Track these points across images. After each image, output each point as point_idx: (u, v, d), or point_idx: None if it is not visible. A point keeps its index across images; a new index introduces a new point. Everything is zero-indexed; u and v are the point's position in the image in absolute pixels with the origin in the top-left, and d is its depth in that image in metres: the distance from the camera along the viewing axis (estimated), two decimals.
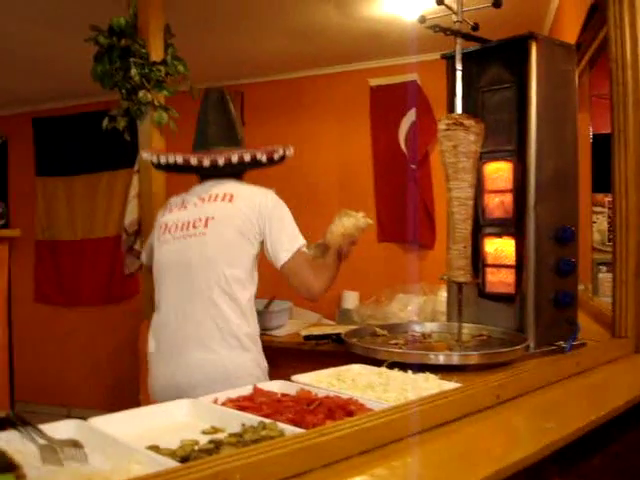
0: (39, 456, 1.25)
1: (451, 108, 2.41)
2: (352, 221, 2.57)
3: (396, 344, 2.30)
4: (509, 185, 2.43)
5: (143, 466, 1.15)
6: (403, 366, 1.91)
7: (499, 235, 2.47)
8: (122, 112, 3.50)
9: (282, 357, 3.01)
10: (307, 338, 2.80)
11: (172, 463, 1.16)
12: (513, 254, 2.41)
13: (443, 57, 2.58)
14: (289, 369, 1.95)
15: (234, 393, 1.65)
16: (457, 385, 1.69)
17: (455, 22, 2.37)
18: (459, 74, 2.34)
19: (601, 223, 3.84)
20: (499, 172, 2.47)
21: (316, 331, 2.99)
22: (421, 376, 1.78)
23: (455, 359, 2.03)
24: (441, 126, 2.25)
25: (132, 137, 3.63)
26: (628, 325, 2.40)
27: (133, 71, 3.37)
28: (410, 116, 5.32)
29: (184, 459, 1.20)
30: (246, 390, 1.68)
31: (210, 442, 1.27)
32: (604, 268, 3.64)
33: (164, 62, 3.51)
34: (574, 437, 1.53)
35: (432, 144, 5.18)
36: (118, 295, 6.40)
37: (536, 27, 4.26)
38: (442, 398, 1.51)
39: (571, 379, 2.00)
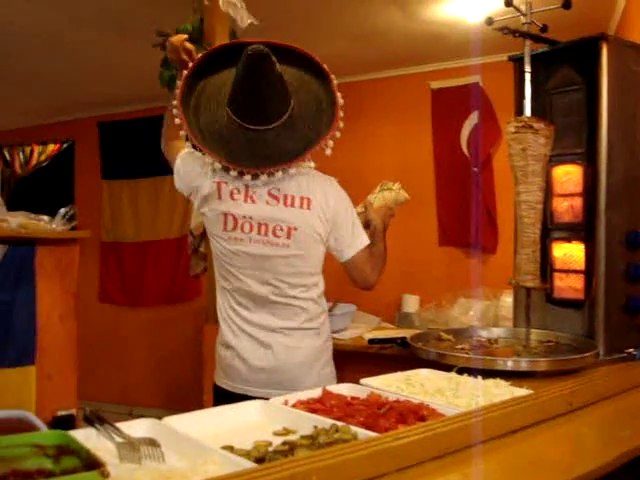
0: (117, 454, 1.28)
1: (519, 111, 2.39)
2: (393, 195, 2.55)
3: (462, 349, 2.29)
4: (579, 189, 2.40)
5: (219, 466, 1.17)
6: (470, 371, 1.90)
7: (568, 240, 2.44)
8: None
9: (347, 360, 3.01)
10: (372, 342, 2.80)
11: (248, 464, 1.17)
12: (582, 259, 2.38)
13: (510, 59, 2.56)
14: (355, 372, 1.95)
15: (304, 395, 1.66)
16: (529, 392, 1.67)
17: (524, 24, 2.35)
18: (528, 76, 2.32)
19: None
20: (568, 175, 2.44)
21: (380, 335, 2.99)
22: (491, 382, 1.77)
23: (524, 365, 2.01)
24: (510, 129, 2.23)
25: None
26: None
27: None
28: (472, 119, 5.27)
29: (259, 460, 1.22)
30: (315, 393, 1.69)
31: (284, 444, 1.28)
32: None
33: None
34: None
35: (495, 147, 5.13)
36: (181, 296, 6.49)
37: (602, 28, 4.18)
38: (515, 405, 1.49)
39: None
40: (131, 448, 1.28)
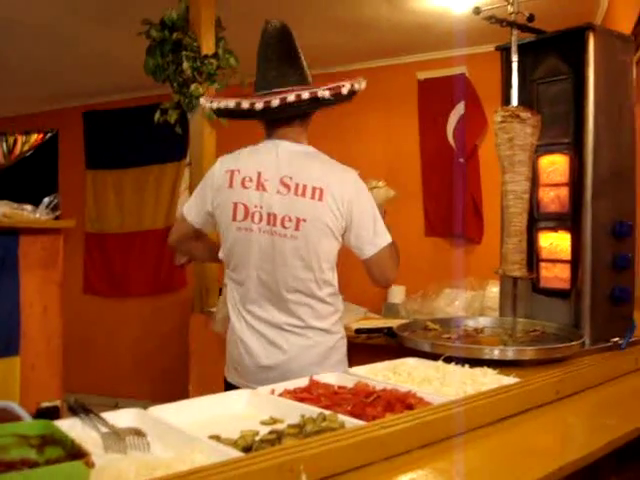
0: (102, 444, 1.27)
1: (506, 100, 2.38)
2: (382, 193, 2.50)
3: (449, 338, 2.29)
4: (565, 179, 2.40)
5: (206, 455, 1.16)
6: (457, 360, 1.90)
7: (554, 229, 2.44)
8: (174, 105, 3.53)
9: None
10: (359, 331, 2.80)
11: (235, 453, 1.16)
12: (569, 249, 2.38)
13: (497, 49, 2.55)
14: None
15: (291, 384, 1.65)
16: (516, 380, 1.68)
17: (511, 13, 2.35)
18: (515, 66, 2.31)
19: None
20: (555, 165, 2.44)
21: (367, 324, 2.98)
22: (479, 370, 1.77)
23: (511, 354, 2.01)
24: (497, 118, 2.22)
25: (183, 130, 3.67)
26: None
27: (185, 64, 3.41)
28: (459, 109, 5.26)
29: (246, 449, 1.21)
30: (302, 382, 1.68)
31: (271, 432, 1.27)
32: None
33: (215, 55, 3.54)
34: (636, 434, 1.50)
35: (481, 138, 5.13)
36: (166, 287, 6.47)
37: (589, 18, 4.18)
38: (502, 393, 1.49)
39: (629, 376, 1.97)
40: (116, 438, 1.27)
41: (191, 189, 3.73)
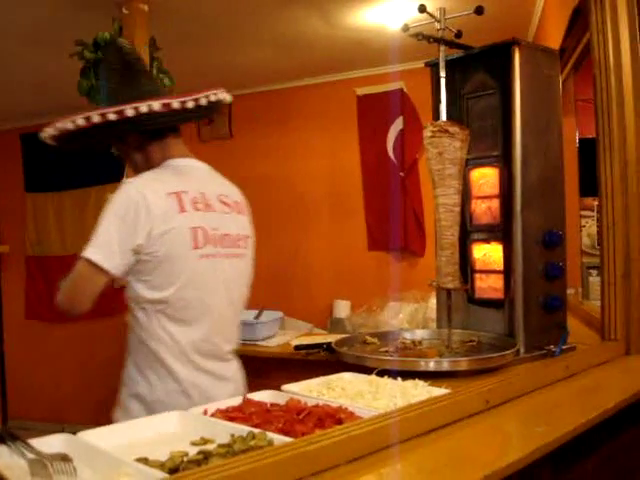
0: (28, 471, 1.25)
1: (436, 115, 2.42)
2: None
3: (386, 352, 2.31)
4: (495, 191, 2.45)
5: (131, 478, 1.15)
6: (394, 373, 1.91)
7: (487, 241, 2.48)
8: None
9: (273, 367, 3.01)
10: (298, 348, 2.79)
11: (160, 475, 1.15)
12: (501, 259, 2.42)
13: (427, 65, 2.60)
14: (281, 379, 1.94)
15: (223, 404, 1.64)
16: (446, 391, 1.69)
17: (438, 30, 2.39)
18: (443, 81, 2.36)
19: (590, 227, 3.85)
20: (485, 178, 2.48)
21: (307, 341, 2.99)
22: (410, 383, 1.78)
23: (445, 365, 2.03)
24: (426, 133, 2.27)
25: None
26: (617, 327, 2.40)
27: None
28: (397, 124, 5.34)
29: (173, 470, 1.20)
30: (236, 400, 1.67)
31: (199, 453, 1.26)
32: (595, 272, 3.64)
33: None
34: (565, 440, 1.53)
35: (420, 152, 5.20)
36: (109, 309, 6.34)
37: (520, 34, 4.27)
38: (431, 405, 1.51)
39: (561, 383, 2.00)
40: (42, 464, 1.25)
41: None
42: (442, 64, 2.37)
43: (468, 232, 2.51)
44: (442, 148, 2.22)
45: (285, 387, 1.79)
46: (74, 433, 1.44)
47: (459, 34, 2.48)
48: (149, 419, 1.58)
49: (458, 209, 2.26)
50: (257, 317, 3.34)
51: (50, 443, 1.37)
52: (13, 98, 5.91)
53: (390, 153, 5.39)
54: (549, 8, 3.88)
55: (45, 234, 6.76)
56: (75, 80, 3.63)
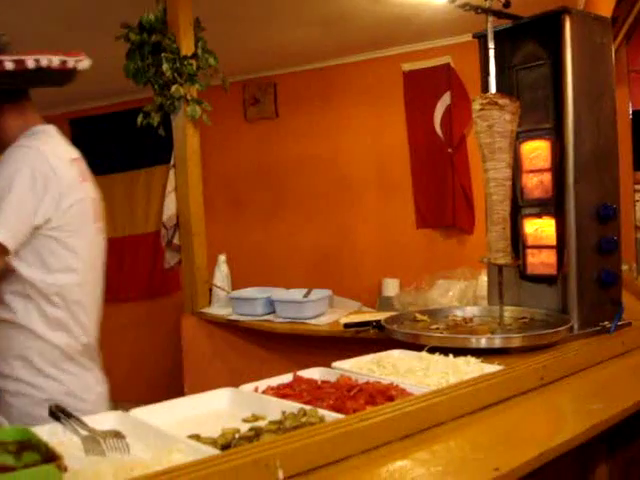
0: (82, 447, 1.27)
1: (485, 88, 2.37)
2: None
3: (437, 329, 2.28)
4: (547, 164, 2.39)
5: (184, 455, 1.16)
6: (444, 351, 1.89)
7: (539, 215, 2.43)
8: (156, 108, 3.52)
9: (323, 345, 3.01)
10: (347, 326, 2.78)
11: (213, 451, 1.16)
12: (554, 234, 2.37)
13: (475, 36, 2.54)
14: (331, 357, 1.94)
15: (274, 381, 1.64)
16: (499, 368, 1.67)
17: (486, 0, 2.34)
18: (492, 53, 2.30)
19: None
20: (537, 151, 2.43)
21: (356, 319, 2.97)
22: (462, 360, 1.76)
23: (497, 342, 2.00)
24: (475, 106, 2.22)
25: (167, 132, 3.66)
26: None
27: (165, 66, 3.39)
28: (445, 100, 5.26)
29: (225, 447, 1.20)
30: (286, 378, 1.67)
31: (250, 429, 1.26)
32: None
33: (195, 56, 3.52)
34: (621, 418, 1.50)
35: (468, 127, 5.13)
36: (160, 290, 6.46)
37: (570, 1, 4.16)
38: (484, 381, 1.49)
39: (616, 359, 1.97)
40: (96, 441, 1.27)
41: (176, 191, 3.72)
42: (490, 35, 2.31)
43: (519, 207, 2.46)
44: (492, 121, 2.17)
45: (335, 364, 1.78)
46: (127, 410, 1.46)
47: (507, 4, 2.42)
48: (201, 396, 1.59)
49: (509, 183, 2.22)
50: (306, 295, 3.34)
51: (103, 420, 1.39)
52: None
53: (437, 129, 5.32)
54: None
55: None
56: (121, 64, 3.65)
